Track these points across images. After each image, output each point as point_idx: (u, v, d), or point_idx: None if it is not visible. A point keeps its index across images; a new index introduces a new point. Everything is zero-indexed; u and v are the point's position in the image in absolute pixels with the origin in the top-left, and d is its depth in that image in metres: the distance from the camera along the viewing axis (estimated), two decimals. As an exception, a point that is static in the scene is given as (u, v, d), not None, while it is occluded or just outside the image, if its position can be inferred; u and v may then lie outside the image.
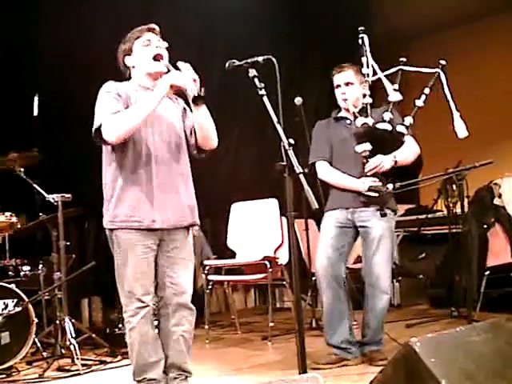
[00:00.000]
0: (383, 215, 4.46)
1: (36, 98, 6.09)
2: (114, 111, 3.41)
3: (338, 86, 4.70)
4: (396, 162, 4.47)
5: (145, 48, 3.58)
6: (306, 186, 2.91)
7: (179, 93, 3.57)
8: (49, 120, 6.27)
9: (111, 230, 3.52)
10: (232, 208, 6.59)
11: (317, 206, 2.88)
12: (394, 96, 4.52)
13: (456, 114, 4.48)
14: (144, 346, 3.48)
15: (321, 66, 8.73)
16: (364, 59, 4.58)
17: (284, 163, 3.04)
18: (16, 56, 6.55)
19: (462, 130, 4.45)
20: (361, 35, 4.61)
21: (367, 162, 4.44)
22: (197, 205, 3.70)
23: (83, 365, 4.88)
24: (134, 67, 3.66)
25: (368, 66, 4.58)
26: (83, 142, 6.75)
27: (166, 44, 3.58)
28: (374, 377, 2.31)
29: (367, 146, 4.42)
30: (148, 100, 3.41)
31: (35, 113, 6.09)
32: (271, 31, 8.33)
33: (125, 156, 3.48)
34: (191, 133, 3.67)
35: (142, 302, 3.46)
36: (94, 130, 3.43)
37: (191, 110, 3.58)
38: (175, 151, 3.60)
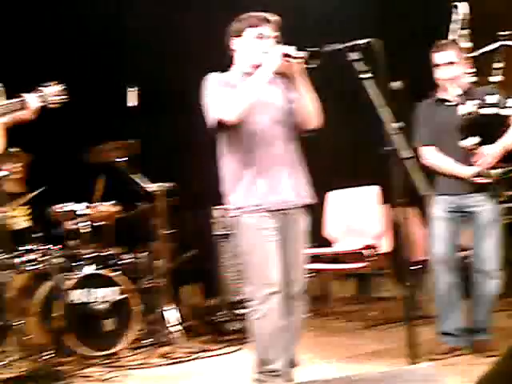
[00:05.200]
0: (495, 201, 4.34)
1: (135, 89, 6.16)
2: (225, 95, 3.42)
3: (439, 65, 4.52)
4: (505, 149, 4.31)
5: (257, 41, 3.53)
6: (414, 172, 2.82)
7: (285, 73, 3.52)
8: (148, 110, 6.34)
9: (234, 216, 3.51)
10: (329, 196, 6.53)
11: (426, 192, 2.79)
12: (496, 76, 4.35)
13: None
14: (272, 338, 3.37)
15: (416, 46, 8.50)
16: (461, 33, 4.42)
17: (391, 148, 2.96)
18: (115, 46, 6.69)
19: None
20: (455, 10, 4.46)
21: (475, 153, 4.30)
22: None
23: (185, 352, 4.92)
24: (237, 52, 3.63)
25: (467, 42, 4.42)
26: (181, 132, 6.95)
27: (276, 46, 3.48)
28: (489, 368, 2.21)
29: (474, 140, 4.28)
30: (260, 73, 3.40)
31: (134, 103, 6.16)
32: (360, 11, 8.17)
33: (238, 144, 3.49)
34: (295, 113, 3.61)
35: (273, 286, 3.36)
36: (211, 120, 3.45)
37: (294, 89, 3.55)
38: (285, 133, 3.57)
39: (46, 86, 3.84)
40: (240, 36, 3.58)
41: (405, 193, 5.54)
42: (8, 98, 3.81)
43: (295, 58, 3.34)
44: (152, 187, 5.30)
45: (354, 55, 3.20)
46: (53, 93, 3.83)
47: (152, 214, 5.43)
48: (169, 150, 6.78)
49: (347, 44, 3.26)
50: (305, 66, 3.37)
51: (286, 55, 3.35)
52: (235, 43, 3.62)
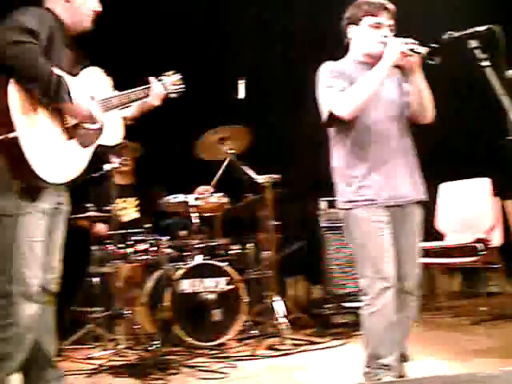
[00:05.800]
0: None
1: (243, 81, 6.18)
2: (341, 88, 3.37)
3: None
4: None
5: (373, 30, 3.45)
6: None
7: (402, 67, 3.45)
8: (256, 101, 6.37)
9: (346, 210, 3.46)
10: (440, 188, 6.39)
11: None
12: None
13: None
14: (386, 332, 3.31)
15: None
16: None
17: (512, 138, 2.85)
18: (222, 40, 6.73)
19: None
20: None
21: None
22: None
23: (292, 344, 4.91)
24: (352, 39, 3.57)
25: None
26: (288, 123, 6.94)
27: (396, 38, 3.38)
28: None
29: None
30: (379, 68, 3.32)
31: (242, 96, 6.19)
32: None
33: (353, 138, 3.43)
34: (407, 107, 3.54)
35: (388, 281, 3.30)
36: (325, 115, 3.42)
37: (409, 82, 3.48)
38: (400, 127, 3.50)
39: (165, 76, 3.79)
40: (356, 24, 3.51)
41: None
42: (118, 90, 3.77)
43: (416, 52, 3.26)
44: (259, 179, 5.31)
45: (473, 42, 3.08)
46: (173, 82, 3.79)
47: (259, 206, 5.44)
48: (276, 141, 6.78)
49: (466, 31, 3.13)
50: (426, 61, 3.28)
51: (407, 49, 3.27)
52: (351, 31, 3.56)
